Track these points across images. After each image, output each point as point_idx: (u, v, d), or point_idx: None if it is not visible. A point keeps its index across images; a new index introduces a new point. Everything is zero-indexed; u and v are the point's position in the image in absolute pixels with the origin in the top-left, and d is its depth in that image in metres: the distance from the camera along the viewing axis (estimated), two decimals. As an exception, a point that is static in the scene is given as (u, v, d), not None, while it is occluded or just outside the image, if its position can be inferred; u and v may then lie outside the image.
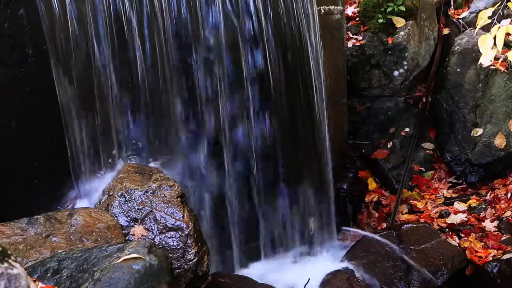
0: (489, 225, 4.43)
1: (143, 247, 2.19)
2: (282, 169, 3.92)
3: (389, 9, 4.87)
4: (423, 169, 5.07)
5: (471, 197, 4.77)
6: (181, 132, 3.53)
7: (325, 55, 3.99)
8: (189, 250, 2.84)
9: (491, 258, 3.94)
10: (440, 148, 5.12)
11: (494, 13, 2.92)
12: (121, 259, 2.13)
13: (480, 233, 4.39)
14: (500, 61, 4.81)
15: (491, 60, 2.77)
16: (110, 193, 3.00)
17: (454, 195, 4.88)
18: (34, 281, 1.82)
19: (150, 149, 3.39)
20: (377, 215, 4.74)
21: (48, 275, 2.23)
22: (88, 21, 3.06)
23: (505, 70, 4.86)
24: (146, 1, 3.20)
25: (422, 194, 4.91)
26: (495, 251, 4.08)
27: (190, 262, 2.83)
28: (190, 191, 3.53)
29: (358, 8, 5.10)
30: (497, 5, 3.46)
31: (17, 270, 1.42)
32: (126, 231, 2.85)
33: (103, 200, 3.00)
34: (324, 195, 4.17)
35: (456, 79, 5.03)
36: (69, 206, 3.05)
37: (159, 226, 2.87)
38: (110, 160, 3.26)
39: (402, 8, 4.85)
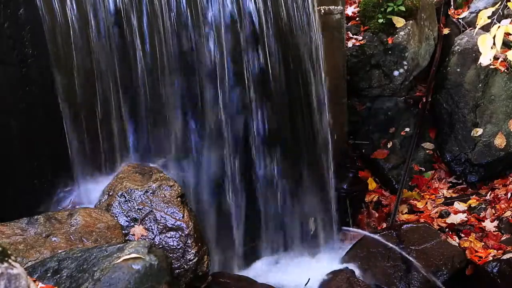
0: (489, 225, 4.43)
1: (143, 247, 2.19)
2: (283, 169, 3.92)
3: (389, 9, 4.87)
4: (423, 169, 5.07)
5: (471, 197, 4.77)
6: (182, 133, 3.53)
7: (325, 55, 3.99)
8: (189, 250, 2.84)
9: (491, 258, 3.94)
10: (440, 148, 5.12)
11: (494, 13, 2.92)
12: (121, 259, 2.13)
13: (480, 233, 4.39)
14: (500, 60, 4.81)
15: (490, 60, 2.77)
16: (110, 193, 3.00)
17: (454, 195, 4.88)
18: (34, 281, 1.82)
19: (150, 149, 3.39)
20: (377, 215, 4.74)
21: (48, 275, 2.23)
22: (89, 20, 3.06)
23: (505, 70, 4.86)
24: (146, 0, 3.21)
25: (422, 194, 4.91)
26: (495, 251, 4.08)
27: (190, 262, 2.83)
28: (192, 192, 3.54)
29: (358, 8, 5.10)
30: (497, 5, 3.46)
31: (17, 270, 1.42)
32: (126, 231, 2.85)
33: (103, 200, 3.00)
34: (324, 195, 4.17)
35: (456, 79, 5.04)
36: (69, 206, 3.05)
37: (159, 226, 2.87)
38: (110, 160, 3.26)
39: (402, 8, 4.85)
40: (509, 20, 2.98)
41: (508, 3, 3.21)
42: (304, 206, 4.09)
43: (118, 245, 2.28)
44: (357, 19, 5.08)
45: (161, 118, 3.43)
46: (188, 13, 3.35)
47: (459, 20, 5.35)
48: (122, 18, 3.16)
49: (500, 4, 3.62)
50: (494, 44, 2.69)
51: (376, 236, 4.08)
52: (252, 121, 3.73)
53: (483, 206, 4.63)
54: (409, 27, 4.92)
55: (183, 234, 2.85)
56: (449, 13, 5.43)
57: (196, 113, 3.54)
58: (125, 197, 2.94)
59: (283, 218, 4.02)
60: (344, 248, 4.17)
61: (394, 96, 5.07)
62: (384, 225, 4.65)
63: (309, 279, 3.64)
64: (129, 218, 2.89)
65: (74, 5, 3.00)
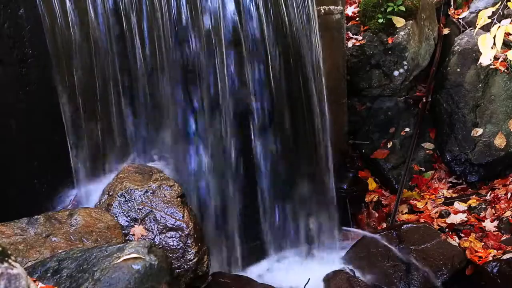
0: (489, 225, 4.42)
1: (143, 247, 2.19)
2: (283, 169, 3.92)
3: (389, 9, 4.87)
4: (423, 169, 5.07)
5: (471, 197, 4.77)
6: (183, 133, 3.53)
7: (325, 55, 3.99)
8: (189, 250, 2.84)
9: (491, 258, 3.93)
10: (440, 148, 5.12)
11: (494, 13, 2.92)
12: (121, 259, 2.13)
13: (480, 233, 4.39)
14: (500, 60, 4.82)
15: (490, 60, 2.77)
16: (110, 193, 3.00)
17: (454, 195, 4.88)
18: (34, 281, 1.82)
19: (151, 148, 3.39)
20: (377, 215, 4.74)
21: (48, 275, 2.23)
22: (89, 20, 3.06)
23: (505, 70, 4.86)
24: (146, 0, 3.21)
25: (422, 194, 4.91)
26: (495, 251, 4.08)
27: (190, 262, 2.83)
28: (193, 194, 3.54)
29: (358, 8, 5.10)
30: (497, 5, 3.46)
31: (17, 270, 1.42)
32: (126, 231, 2.85)
33: (103, 200, 3.00)
34: (325, 195, 4.17)
35: (456, 79, 5.04)
36: (69, 206, 3.05)
37: (159, 226, 2.87)
38: (110, 160, 3.26)
39: (402, 8, 4.86)
40: (509, 20, 2.98)
41: (508, 3, 3.21)
42: (304, 206, 4.09)
43: (118, 245, 2.28)
44: (357, 19, 5.09)
45: (162, 117, 3.43)
46: (188, 13, 3.35)
47: (459, 20, 5.36)
48: (122, 17, 3.16)
49: (500, 4, 3.62)
50: (494, 44, 2.70)
51: (376, 236, 4.08)
52: (253, 121, 3.73)
53: (483, 206, 4.63)
54: (409, 27, 4.92)
55: (183, 234, 2.86)
56: (449, 13, 5.43)
57: (197, 112, 3.54)
58: (125, 197, 2.94)
59: (283, 218, 4.02)
60: (344, 248, 4.17)
61: (394, 96, 5.08)
62: (384, 225, 4.65)
63: (309, 279, 3.64)
64: (129, 218, 2.89)
65: (74, 5, 3.00)
